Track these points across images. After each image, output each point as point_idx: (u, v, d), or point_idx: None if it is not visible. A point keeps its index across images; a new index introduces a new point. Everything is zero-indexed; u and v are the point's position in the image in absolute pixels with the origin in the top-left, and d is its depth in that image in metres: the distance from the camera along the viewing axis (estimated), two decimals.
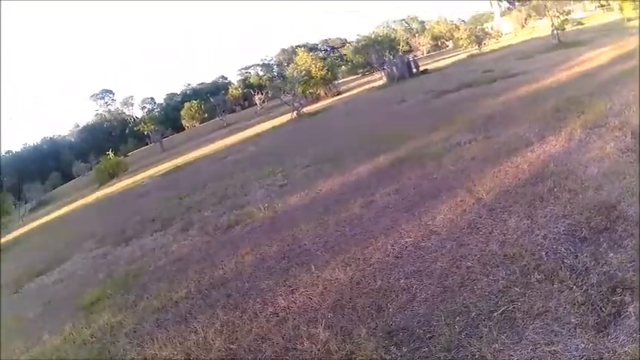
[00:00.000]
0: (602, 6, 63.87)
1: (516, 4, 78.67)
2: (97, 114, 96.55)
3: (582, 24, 37.92)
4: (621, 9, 40.79)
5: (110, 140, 66.25)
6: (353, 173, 8.26)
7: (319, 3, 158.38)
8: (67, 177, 59.81)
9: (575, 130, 6.50)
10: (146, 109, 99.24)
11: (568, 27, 32.52)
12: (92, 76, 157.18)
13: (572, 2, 71.62)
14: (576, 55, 16.73)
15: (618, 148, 5.24)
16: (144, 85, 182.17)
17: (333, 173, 8.67)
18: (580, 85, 10.13)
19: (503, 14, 78.29)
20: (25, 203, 38.01)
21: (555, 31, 28.88)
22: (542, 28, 49.71)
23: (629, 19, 37.18)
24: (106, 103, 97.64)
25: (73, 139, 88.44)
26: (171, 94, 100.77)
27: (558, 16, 32.77)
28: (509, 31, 64.34)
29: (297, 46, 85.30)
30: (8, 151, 79.46)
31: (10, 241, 20.22)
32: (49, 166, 65.50)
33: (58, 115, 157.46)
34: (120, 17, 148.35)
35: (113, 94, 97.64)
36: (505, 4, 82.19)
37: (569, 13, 39.25)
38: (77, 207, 23.76)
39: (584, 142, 5.95)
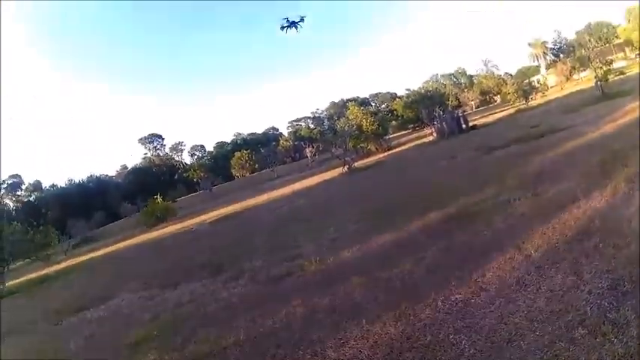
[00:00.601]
0: None
1: (561, 56, 78.89)
2: (146, 157, 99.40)
3: (624, 73, 38.28)
4: None
5: (158, 184, 66.92)
6: (404, 229, 8.41)
7: (369, 57, 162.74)
8: (113, 217, 61.20)
9: (620, 184, 6.62)
10: (196, 156, 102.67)
11: (611, 77, 32.34)
12: (141, 120, 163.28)
13: (613, 52, 71.22)
14: (620, 107, 16.79)
15: None
16: (194, 133, 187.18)
17: (385, 229, 8.81)
18: (624, 138, 10.19)
19: (548, 67, 78.19)
20: (69, 238, 39.37)
21: (599, 83, 28.95)
22: (586, 79, 49.23)
23: None
24: (155, 147, 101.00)
25: (120, 180, 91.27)
26: (221, 142, 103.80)
27: (601, 67, 32.67)
28: (555, 84, 64.13)
29: (347, 100, 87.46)
30: (53, 185, 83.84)
31: (53, 273, 20.75)
32: (94, 204, 67.09)
33: (106, 155, 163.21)
34: (171, 64, 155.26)
35: (163, 139, 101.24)
36: (550, 57, 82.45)
37: (611, 63, 38.93)
38: (123, 247, 24.54)
39: (629, 195, 6.05)
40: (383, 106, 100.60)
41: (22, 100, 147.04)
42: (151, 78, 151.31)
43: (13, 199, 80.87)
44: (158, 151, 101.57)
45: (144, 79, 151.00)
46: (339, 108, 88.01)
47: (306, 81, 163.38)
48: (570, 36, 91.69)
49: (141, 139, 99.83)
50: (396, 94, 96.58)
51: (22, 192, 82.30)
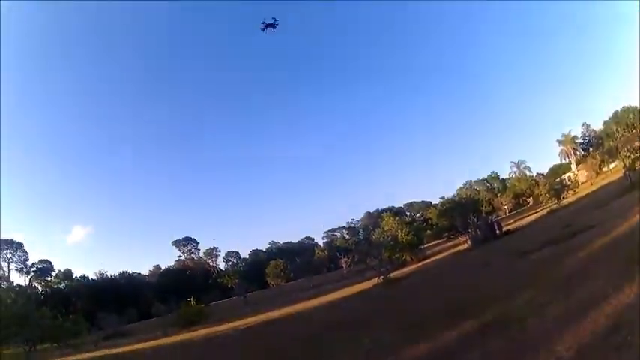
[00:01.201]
0: None
1: (590, 149, 78.98)
2: (179, 259, 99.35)
3: None
4: None
5: (191, 287, 66.37)
6: (439, 339, 8.34)
7: (403, 168, 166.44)
8: (145, 315, 60.89)
9: None
10: (230, 262, 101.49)
11: (638, 164, 32.36)
12: (176, 222, 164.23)
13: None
14: None
15: None
16: (229, 239, 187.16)
17: (419, 339, 8.73)
18: None
19: (579, 162, 78.12)
20: (99, 330, 39.18)
21: (627, 172, 29.01)
22: (615, 170, 49.13)
23: None
24: (189, 250, 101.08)
25: (152, 280, 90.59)
26: (256, 250, 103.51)
27: (628, 156, 32.84)
28: (586, 179, 64.13)
29: (382, 210, 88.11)
30: (84, 276, 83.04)
31: None
32: (126, 300, 66.85)
33: (138, 254, 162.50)
34: (210, 173, 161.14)
35: (197, 243, 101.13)
36: (580, 153, 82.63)
37: (638, 150, 39.09)
38: (155, 345, 23.88)
39: None
40: (418, 215, 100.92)
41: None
42: (189, 184, 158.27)
43: (42, 283, 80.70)
44: (192, 254, 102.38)
45: (183, 184, 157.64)
46: (374, 218, 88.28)
47: (341, 191, 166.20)
48: (598, 126, 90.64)
49: (175, 241, 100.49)
50: (430, 202, 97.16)
51: (52, 278, 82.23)
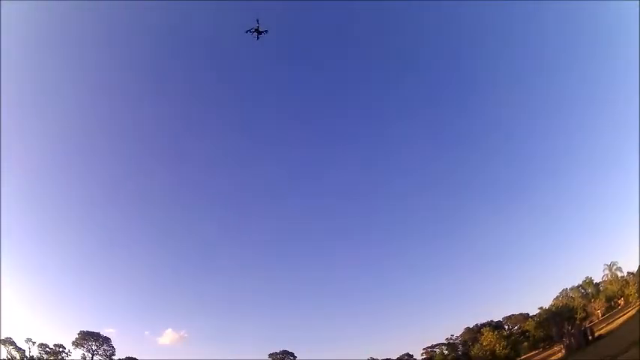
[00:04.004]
0: None
1: None
2: None
3: None
4: None
5: None
6: None
7: (500, 279, 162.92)
8: None
9: None
10: None
11: None
12: (273, 335, 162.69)
13: None
14: None
15: None
16: (325, 352, 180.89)
17: None
18: None
19: None
20: None
21: None
22: None
23: None
24: None
25: None
26: None
27: None
28: None
29: (482, 325, 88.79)
30: None
31: None
32: None
33: None
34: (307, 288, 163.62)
35: (294, 357, 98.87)
36: None
37: None
38: None
39: None
40: (516, 327, 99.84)
41: None
42: (286, 297, 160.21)
43: None
44: None
45: (280, 297, 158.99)
46: (474, 333, 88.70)
47: (441, 306, 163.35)
48: None
49: (272, 354, 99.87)
50: (528, 314, 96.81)
51: None
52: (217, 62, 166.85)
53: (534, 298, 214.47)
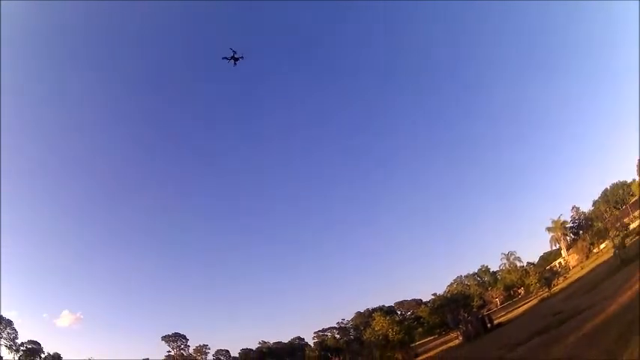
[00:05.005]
0: None
1: (581, 232, 78.57)
2: (169, 355, 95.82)
3: None
4: None
5: None
6: None
7: (393, 266, 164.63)
8: None
9: (635, 350, 6.71)
10: None
11: (629, 240, 32.28)
12: (166, 317, 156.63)
13: (630, 212, 70.99)
14: (636, 270, 16.87)
15: None
16: (219, 336, 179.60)
17: None
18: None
19: (569, 247, 77.76)
20: None
21: (617, 251, 28.95)
22: (605, 249, 49.24)
23: None
24: (179, 347, 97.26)
25: None
26: (246, 349, 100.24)
27: (618, 235, 33.05)
28: (577, 262, 63.69)
29: (373, 310, 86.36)
30: None
31: None
32: None
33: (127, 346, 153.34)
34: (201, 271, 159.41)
35: (187, 339, 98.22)
36: (570, 237, 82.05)
37: (627, 226, 39.42)
38: None
39: None
40: (409, 313, 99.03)
41: None
42: (181, 280, 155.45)
43: None
44: (182, 350, 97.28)
45: (175, 280, 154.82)
46: (365, 318, 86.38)
47: (331, 290, 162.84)
48: (588, 207, 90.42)
49: (165, 336, 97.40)
50: (421, 300, 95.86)
51: None
52: None
53: (428, 286, 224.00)
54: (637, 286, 13.41)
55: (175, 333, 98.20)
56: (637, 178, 74.42)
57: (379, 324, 41.67)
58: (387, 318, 44.79)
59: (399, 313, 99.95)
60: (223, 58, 28.80)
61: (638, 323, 8.49)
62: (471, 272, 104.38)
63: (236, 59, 28.73)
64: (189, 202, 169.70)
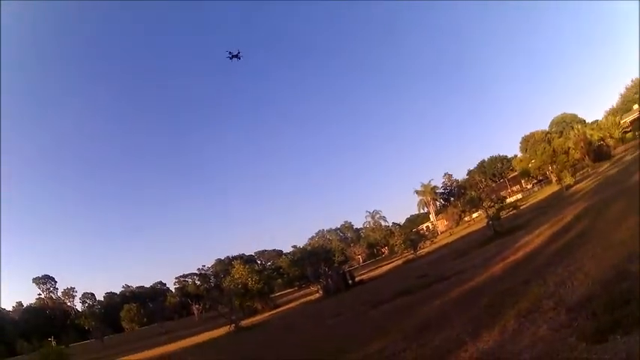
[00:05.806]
0: (540, 181, 67.73)
1: (452, 199, 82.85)
2: (40, 298, 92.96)
3: (518, 207, 38.51)
4: (560, 180, 42.83)
5: (52, 327, 66.22)
6: None
7: (255, 215, 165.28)
8: (9, 352, 58.73)
9: (509, 322, 6.49)
10: (87, 304, 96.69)
11: (504, 213, 33.26)
12: (38, 258, 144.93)
13: (508, 186, 76.50)
14: (512, 243, 17.15)
15: (552, 328, 5.44)
16: (85, 278, 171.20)
17: None
18: (515, 275, 10.22)
19: (438, 212, 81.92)
20: None
21: (490, 222, 29.05)
22: (478, 219, 52.45)
23: (568, 187, 38.46)
24: (48, 289, 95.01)
25: (16, 317, 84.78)
26: (110, 293, 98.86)
27: (493, 206, 34.03)
28: (446, 228, 67.45)
29: (233, 258, 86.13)
30: None
31: None
32: None
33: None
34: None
35: (55, 282, 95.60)
36: (440, 202, 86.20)
37: (503, 200, 41.70)
38: None
39: (518, 331, 6.01)
40: (269, 263, 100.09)
41: None
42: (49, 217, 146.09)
43: None
44: (51, 293, 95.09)
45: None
46: (225, 266, 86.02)
47: (192, 235, 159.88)
48: (462, 176, 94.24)
49: (35, 278, 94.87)
50: (282, 251, 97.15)
51: None
52: None
53: (289, 237, 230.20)
54: (513, 257, 13.29)
55: (45, 275, 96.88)
56: (519, 154, 78.26)
57: (238, 272, 41.73)
58: (247, 267, 44.70)
59: (259, 262, 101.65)
60: (229, 53, 30.16)
61: (510, 295, 8.32)
62: (333, 227, 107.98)
63: (238, 57, 30.53)
64: None
